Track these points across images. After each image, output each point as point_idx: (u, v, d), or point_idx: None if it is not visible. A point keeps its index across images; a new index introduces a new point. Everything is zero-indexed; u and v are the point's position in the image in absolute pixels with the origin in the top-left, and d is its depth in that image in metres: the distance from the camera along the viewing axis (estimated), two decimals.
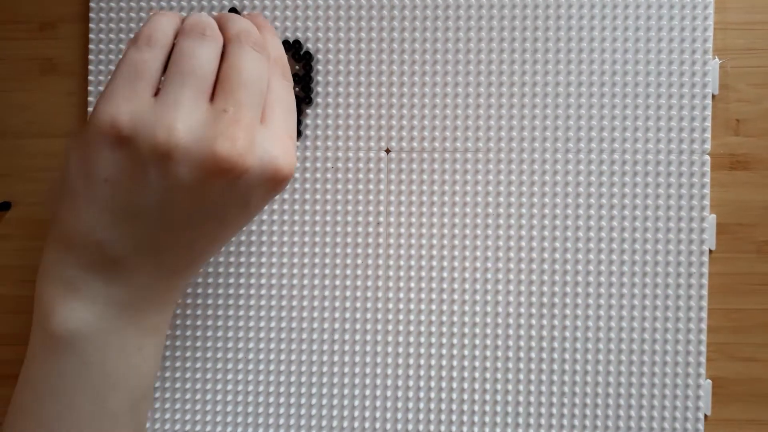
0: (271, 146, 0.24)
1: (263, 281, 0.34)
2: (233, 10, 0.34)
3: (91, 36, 0.35)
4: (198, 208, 0.24)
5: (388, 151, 0.34)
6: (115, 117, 0.23)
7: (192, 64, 0.24)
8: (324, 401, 0.34)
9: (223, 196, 0.24)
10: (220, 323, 0.34)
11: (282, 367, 0.34)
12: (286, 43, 0.34)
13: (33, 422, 0.25)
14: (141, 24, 0.35)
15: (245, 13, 0.33)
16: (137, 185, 0.23)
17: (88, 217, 0.24)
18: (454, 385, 0.33)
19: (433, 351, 0.33)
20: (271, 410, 0.34)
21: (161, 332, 0.27)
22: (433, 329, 0.33)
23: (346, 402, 0.33)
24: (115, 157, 0.23)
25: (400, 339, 0.33)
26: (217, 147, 0.23)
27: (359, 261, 0.34)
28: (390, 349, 0.33)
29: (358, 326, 0.34)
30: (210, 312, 0.34)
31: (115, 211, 0.24)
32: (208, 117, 0.23)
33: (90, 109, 0.35)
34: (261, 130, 0.24)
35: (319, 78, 0.34)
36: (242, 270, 0.34)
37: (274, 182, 0.25)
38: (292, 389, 0.34)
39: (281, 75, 0.26)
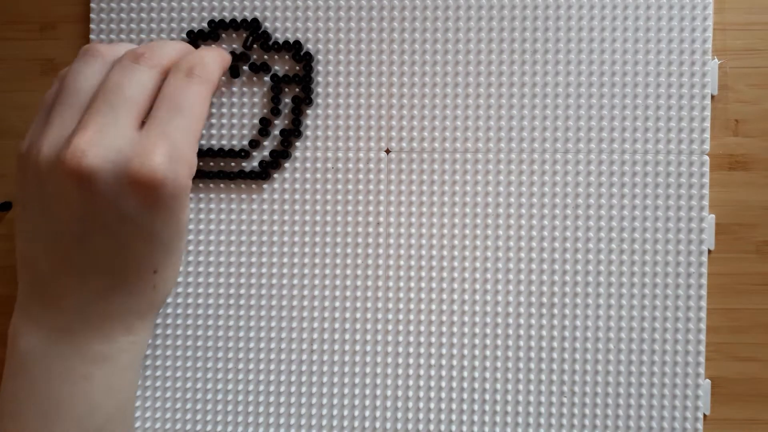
0: (127, 147, 0.23)
1: (263, 281, 0.34)
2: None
3: (92, 36, 0.35)
4: (79, 224, 0.24)
5: (388, 151, 0.34)
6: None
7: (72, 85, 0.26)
8: (324, 401, 0.34)
9: (89, 206, 0.24)
10: (220, 323, 0.34)
11: (282, 367, 0.34)
12: (286, 43, 0.34)
13: None
14: (141, 24, 0.35)
15: None
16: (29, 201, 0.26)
17: (18, 238, 0.26)
18: (454, 384, 0.33)
19: (432, 351, 0.33)
20: (271, 410, 0.34)
21: (115, 364, 0.26)
22: (433, 329, 0.33)
23: (346, 402, 0.34)
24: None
25: (400, 339, 0.33)
26: (64, 154, 0.23)
27: (359, 261, 0.34)
28: (390, 349, 0.33)
29: (357, 326, 0.34)
30: (210, 312, 0.34)
31: (29, 231, 0.26)
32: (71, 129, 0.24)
33: None
34: (119, 133, 0.24)
35: (319, 78, 0.34)
36: (242, 270, 0.34)
37: (137, 186, 0.23)
38: (292, 389, 0.34)
39: (184, 74, 0.25)
